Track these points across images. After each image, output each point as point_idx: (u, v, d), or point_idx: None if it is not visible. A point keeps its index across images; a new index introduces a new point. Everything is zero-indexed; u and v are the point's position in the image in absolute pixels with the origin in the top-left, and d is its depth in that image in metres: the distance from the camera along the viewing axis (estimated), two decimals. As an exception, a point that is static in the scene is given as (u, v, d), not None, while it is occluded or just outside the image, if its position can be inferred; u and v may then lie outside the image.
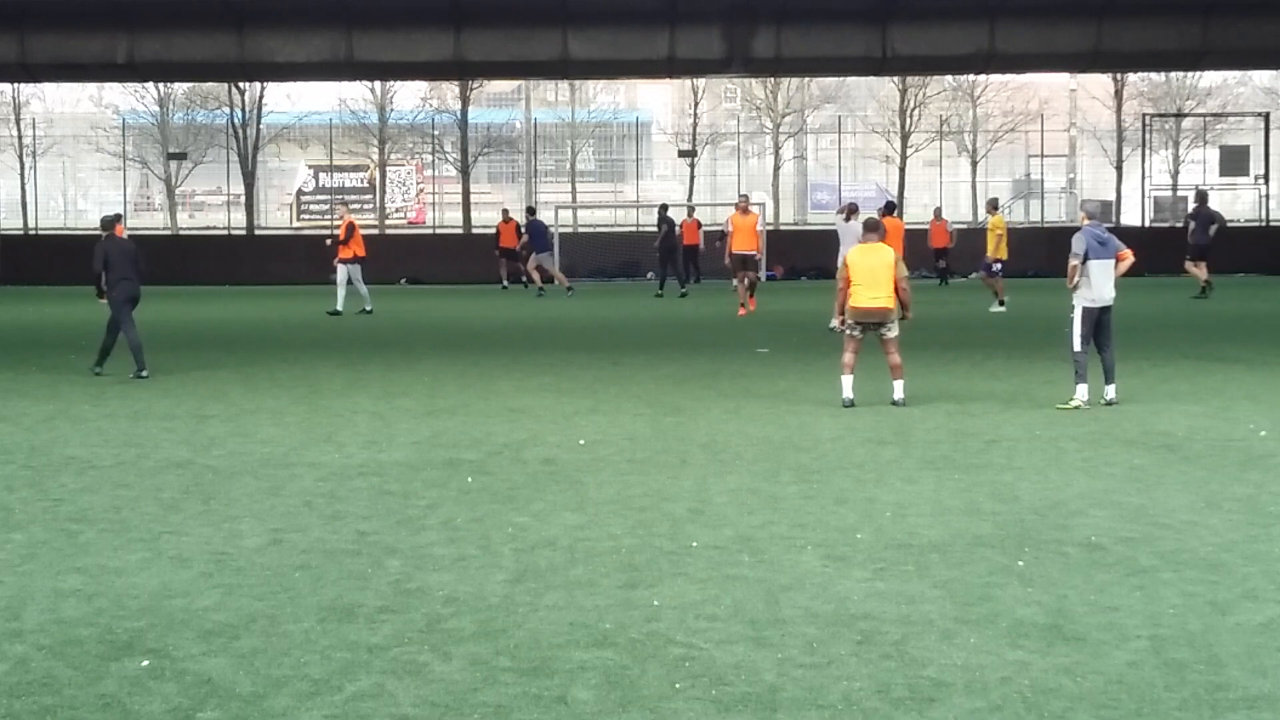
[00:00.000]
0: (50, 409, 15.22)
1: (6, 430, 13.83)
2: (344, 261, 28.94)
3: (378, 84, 53.86)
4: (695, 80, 52.89)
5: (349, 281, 29.02)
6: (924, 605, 7.54)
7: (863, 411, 14.61)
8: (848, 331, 14.92)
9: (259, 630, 7.17)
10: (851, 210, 24.49)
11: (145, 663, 6.68)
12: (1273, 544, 8.88)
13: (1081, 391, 14.79)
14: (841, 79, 57.44)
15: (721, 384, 17.04)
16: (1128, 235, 54.01)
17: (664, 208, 37.51)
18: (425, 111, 55.46)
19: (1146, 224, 50.17)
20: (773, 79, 53.33)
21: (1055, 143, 60.29)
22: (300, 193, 62.23)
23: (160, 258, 39.77)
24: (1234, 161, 51.06)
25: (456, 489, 10.77)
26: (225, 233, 52.29)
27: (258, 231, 51.13)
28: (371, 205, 57.92)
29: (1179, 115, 56.27)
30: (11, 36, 31.50)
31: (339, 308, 28.86)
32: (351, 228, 29.21)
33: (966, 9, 31.26)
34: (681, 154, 54.72)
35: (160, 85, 53.95)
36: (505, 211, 41.33)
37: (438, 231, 50.59)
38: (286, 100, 58.47)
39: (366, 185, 59.00)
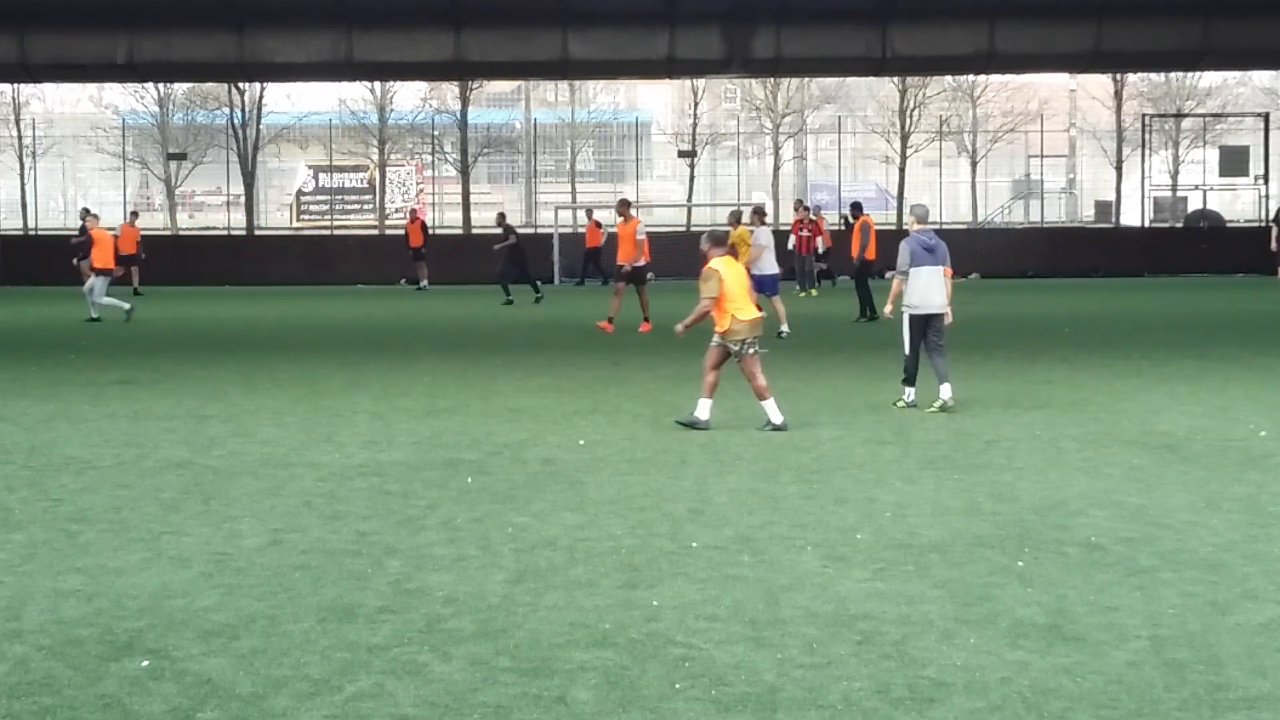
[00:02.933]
0: (50, 409, 15.21)
1: (6, 430, 13.83)
2: (97, 272, 27.32)
3: (378, 84, 53.88)
4: (695, 80, 52.89)
5: (92, 290, 27.24)
6: (924, 605, 7.54)
7: (862, 412, 14.61)
8: (725, 344, 13.54)
9: (259, 630, 7.17)
10: (759, 214, 23.92)
11: (145, 663, 6.68)
12: (1273, 544, 8.88)
13: (909, 393, 14.71)
14: (841, 79, 57.48)
15: (721, 384, 17.00)
16: (1128, 235, 54.21)
17: (502, 215, 35.00)
18: (425, 111, 55.49)
19: (1146, 224, 50.20)
20: (773, 79, 53.34)
21: (1055, 143, 60.36)
22: (300, 193, 62.26)
23: (160, 258, 39.89)
24: (1234, 161, 51.10)
25: (456, 489, 10.77)
26: (225, 233, 52.31)
27: (258, 232, 51.14)
28: (371, 205, 57.95)
29: (1179, 115, 56.30)
30: (11, 36, 31.50)
31: (126, 306, 27.07)
32: (92, 239, 27.63)
33: (966, 9, 31.26)
34: (681, 154, 54.76)
35: (160, 85, 53.98)
36: (414, 211, 42.29)
37: (437, 232, 50.59)
38: (286, 100, 58.55)
39: (366, 185, 59.04)
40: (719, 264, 13.59)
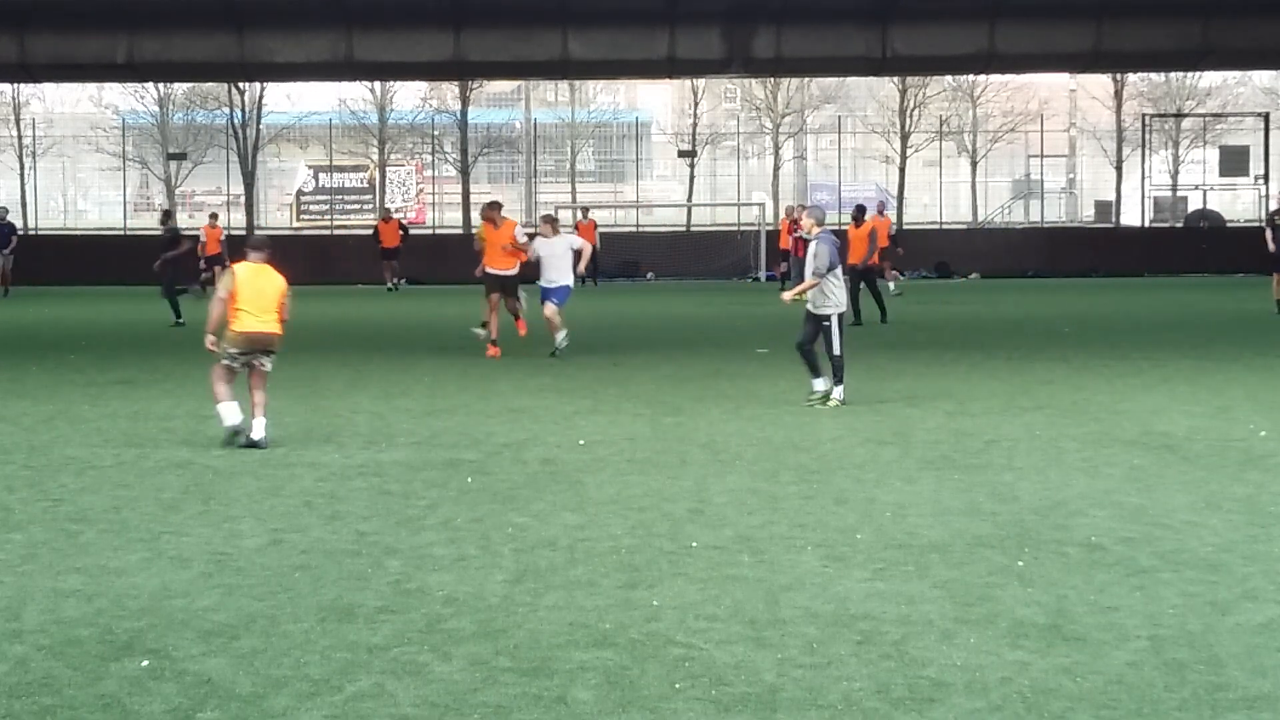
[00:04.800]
0: (50, 409, 15.21)
1: (6, 430, 13.83)
2: None
3: (378, 84, 53.87)
4: (695, 80, 52.87)
5: None
6: (924, 605, 7.54)
7: (863, 411, 14.61)
8: (224, 361, 12.80)
9: (259, 630, 7.17)
10: (551, 221, 21.09)
11: (145, 663, 6.68)
12: (1273, 544, 8.88)
13: (819, 384, 15.11)
14: (841, 79, 57.44)
15: (721, 384, 17.04)
16: (1128, 235, 54.16)
17: (168, 214, 32.03)
18: (425, 111, 55.47)
19: (1146, 224, 50.18)
20: (773, 79, 53.31)
21: (1055, 143, 60.30)
22: (300, 193, 62.24)
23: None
24: (1234, 161, 51.11)
25: (456, 489, 10.77)
26: (225, 233, 52.17)
27: (258, 231, 51.07)
28: (371, 205, 57.92)
29: (1179, 115, 56.28)
30: (11, 36, 31.49)
31: None
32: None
33: (966, 9, 31.26)
34: (681, 154, 54.74)
35: (160, 85, 53.95)
36: (387, 211, 42.34)
37: (437, 232, 50.60)
38: (286, 100, 58.52)
39: (366, 185, 59.02)
40: (241, 266, 13.04)
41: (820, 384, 15.07)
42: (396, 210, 51.71)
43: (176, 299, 26.79)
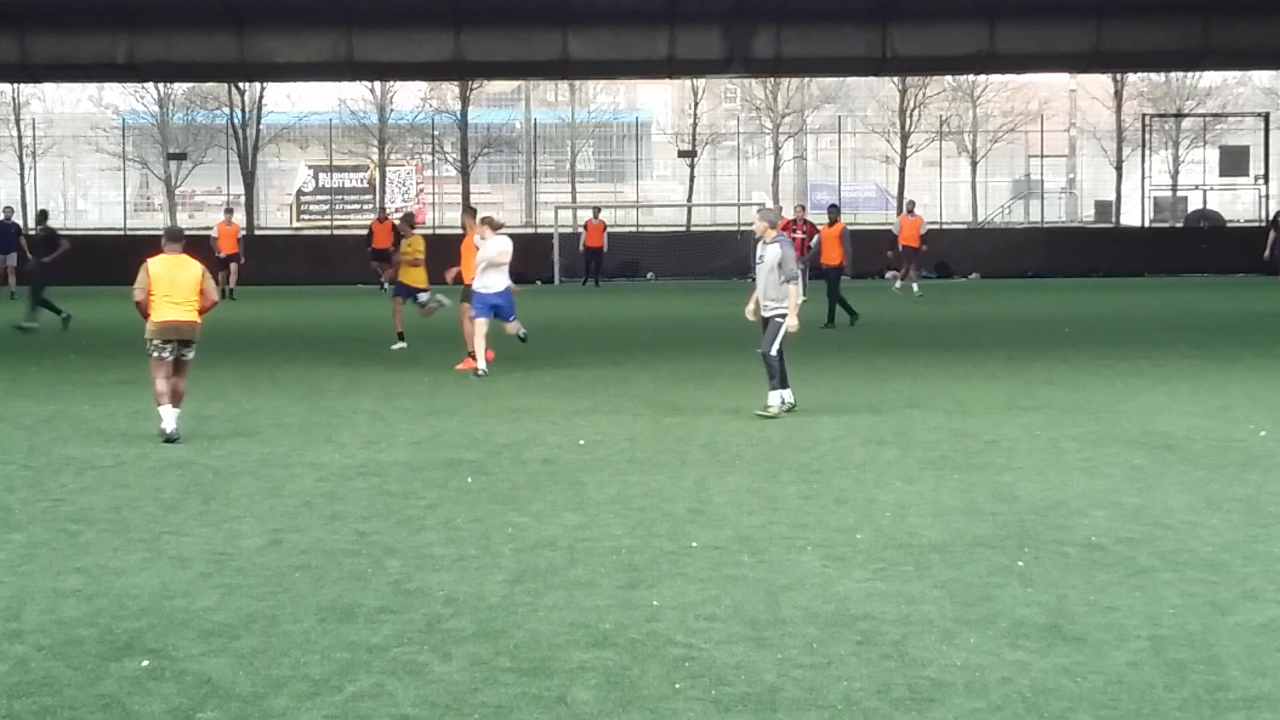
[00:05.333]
0: (50, 409, 15.21)
1: (6, 430, 13.83)
2: None
3: (378, 84, 53.87)
4: (695, 80, 52.87)
5: None
6: (924, 605, 7.54)
7: (863, 411, 14.61)
8: (154, 354, 13.05)
9: (259, 630, 7.18)
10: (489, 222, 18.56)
11: (145, 663, 6.69)
12: (1273, 544, 8.88)
13: (788, 395, 14.52)
14: (841, 79, 57.46)
15: (721, 384, 17.04)
16: (1128, 235, 54.08)
17: (44, 213, 29.97)
18: (425, 111, 55.47)
19: (1146, 224, 50.17)
20: (773, 79, 53.33)
21: (1055, 143, 60.30)
22: (300, 193, 62.25)
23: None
24: (1234, 161, 51.08)
25: (456, 489, 10.78)
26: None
27: (258, 232, 51.10)
28: (371, 205, 57.95)
29: (1179, 115, 56.27)
30: (11, 36, 31.48)
31: None
32: None
33: (966, 9, 31.26)
34: (681, 154, 54.73)
35: (160, 85, 53.94)
36: (383, 212, 42.22)
37: (437, 232, 50.55)
38: (286, 100, 58.51)
39: (366, 185, 59.03)
40: (155, 259, 13.19)
41: (789, 395, 14.55)
42: (395, 210, 51.73)
43: (47, 301, 25.30)
